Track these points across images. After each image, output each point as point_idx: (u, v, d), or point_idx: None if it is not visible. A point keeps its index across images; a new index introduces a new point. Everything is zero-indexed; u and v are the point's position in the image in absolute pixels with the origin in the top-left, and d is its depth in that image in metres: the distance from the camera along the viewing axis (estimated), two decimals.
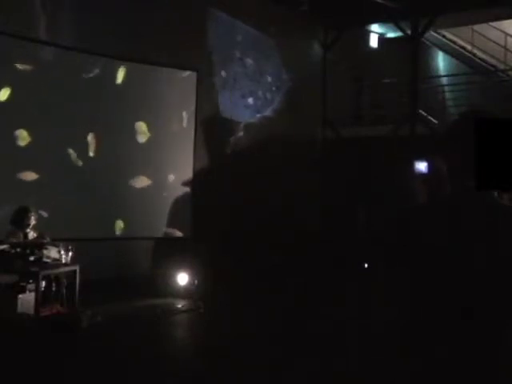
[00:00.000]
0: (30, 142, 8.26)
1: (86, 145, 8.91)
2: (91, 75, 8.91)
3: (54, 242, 7.41)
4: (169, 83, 9.70)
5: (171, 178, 9.86)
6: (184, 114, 9.98)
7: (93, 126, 8.95)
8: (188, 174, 10.07)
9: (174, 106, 9.85)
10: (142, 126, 9.43)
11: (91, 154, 8.98)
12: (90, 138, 8.94)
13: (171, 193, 9.88)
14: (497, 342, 1.86)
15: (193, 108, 10.08)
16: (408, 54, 12.04)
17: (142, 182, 9.49)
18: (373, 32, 13.66)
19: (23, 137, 8.20)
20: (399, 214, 2.26)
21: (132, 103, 9.32)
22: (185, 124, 9.99)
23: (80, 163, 8.85)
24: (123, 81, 9.27)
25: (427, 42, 14.16)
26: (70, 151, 8.75)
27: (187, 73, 10.03)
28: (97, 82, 8.97)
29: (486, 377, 1.85)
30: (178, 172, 9.95)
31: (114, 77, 9.22)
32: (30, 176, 8.29)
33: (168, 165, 9.78)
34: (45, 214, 8.17)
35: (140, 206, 9.39)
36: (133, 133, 9.39)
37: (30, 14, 8.45)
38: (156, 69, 9.55)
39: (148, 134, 9.48)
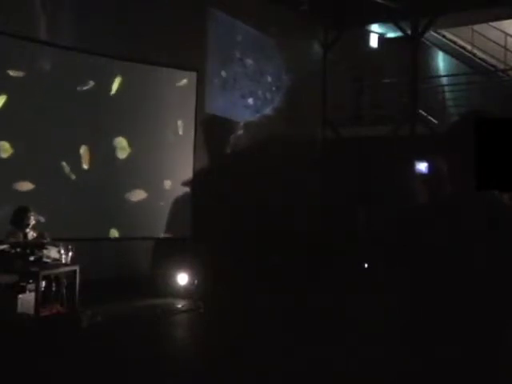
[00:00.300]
0: (12, 154, 8.10)
1: (79, 157, 8.81)
2: (86, 88, 8.83)
3: (54, 242, 7.40)
4: (167, 87, 9.64)
5: (168, 184, 9.75)
6: (180, 122, 9.88)
7: (86, 139, 8.85)
8: (187, 175, 10.03)
9: (173, 110, 9.76)
10: (121, 142, 9.25)
11: (85, 166, 8.88)
12: (83, 150, 8.84)
13: (168, 200, 9.78)
14: (497, 342, 1.86)
15: (192, 109, 10.04)
16: (408, 54, 12.04)
17: (138, 195, 9.41)
18: (373, 32, 13.66)
19: (5, 149, 8.08)
20: (399, 214, 2.26)
21: (126, 114, 9.22)
22: (181, 132, 9.91)
23: (73, 176, 8.75)
24: (118, 91, 9.17)
25: (427, 42, 14.16)
26: (64, 164, 8.66)
27: (184, 80, 9.96)
28: (92, 93, 8.87)
29: (486, 377, 1.85)
30: (177, 176, 9.86)
31: (109, 88, 9.13)
32: (25, 186, 8.24)
33: (166, 171, 9.69)
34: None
35: (136, 218, 9.28)
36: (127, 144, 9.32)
37: (30, 14, 8.45)
38: (156, 69, 9.50)
39: (128, 150, 9.29)
